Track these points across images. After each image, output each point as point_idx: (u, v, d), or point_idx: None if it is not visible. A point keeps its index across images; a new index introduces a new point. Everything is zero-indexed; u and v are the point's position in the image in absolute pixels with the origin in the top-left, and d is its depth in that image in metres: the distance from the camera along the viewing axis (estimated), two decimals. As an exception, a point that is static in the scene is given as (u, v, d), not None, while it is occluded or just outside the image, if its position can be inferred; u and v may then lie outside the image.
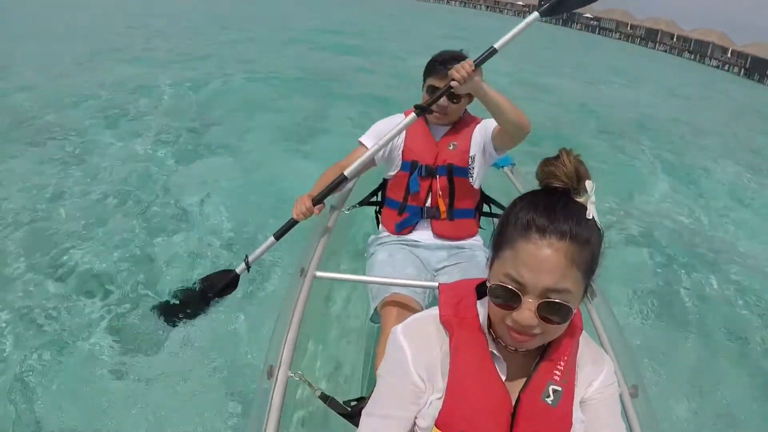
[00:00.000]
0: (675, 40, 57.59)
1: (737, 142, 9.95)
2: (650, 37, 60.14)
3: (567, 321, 0.91)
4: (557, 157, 0.94)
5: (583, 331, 1.07)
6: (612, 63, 22.92)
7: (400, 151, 2.22)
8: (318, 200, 2.11)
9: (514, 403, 0.98)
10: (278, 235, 2.20)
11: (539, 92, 10.98)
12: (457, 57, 2.08)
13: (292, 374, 1.49)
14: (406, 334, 1.02)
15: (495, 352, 1.01)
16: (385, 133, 2.13)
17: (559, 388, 0.98)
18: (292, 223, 2.16)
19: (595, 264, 0.94)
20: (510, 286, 0.89)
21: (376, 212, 2.54)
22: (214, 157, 5.17)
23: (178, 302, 2.59)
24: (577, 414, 1.01)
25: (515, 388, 1.00)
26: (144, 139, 5.39)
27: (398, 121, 2.14)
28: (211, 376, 2.42)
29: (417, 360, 0.99)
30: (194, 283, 2.58)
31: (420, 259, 2.23)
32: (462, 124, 2.22)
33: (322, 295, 2.77)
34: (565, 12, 2.01)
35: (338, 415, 1.41)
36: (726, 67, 48.62)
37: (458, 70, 1.83)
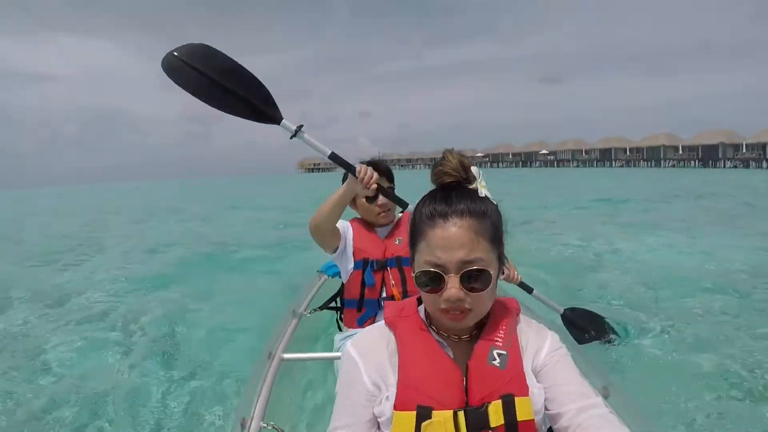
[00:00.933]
0: (628, 152, 61.65)
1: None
2: (605, 156, 64.48)
3: (489, 285, 1.00)
4: (443, 158, 1.08)
5: (523, 314, 1.15)
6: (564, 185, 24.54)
7: (352, 253, 2.48)
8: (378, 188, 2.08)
9: (464, 374, 1.03)
10: (333, 156, 2.04)
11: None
12: (375, 162, 2.39)
13: (265, 424, 1.53)
14: (355, 346, 1.09)
15: (439, 339, 1.08)
16: (344, 226, 2.42)
17: (504, 352, 1.04)
18: (349, 167, 2.02)
19: (499, 232, 1.07)
20: (432, 269, 1.00)
21: (337, 320, 2.75)
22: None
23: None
24: (531, 380, 1.04)
25: (464, 366, 1.05)
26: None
27: (345, 224, 2.44)
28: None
29: (368, 366, 1.05)
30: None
31: None
32: (402, 222, 2.55)
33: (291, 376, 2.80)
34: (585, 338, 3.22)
35: None
36: (681, 164, 51.26)
37: None
